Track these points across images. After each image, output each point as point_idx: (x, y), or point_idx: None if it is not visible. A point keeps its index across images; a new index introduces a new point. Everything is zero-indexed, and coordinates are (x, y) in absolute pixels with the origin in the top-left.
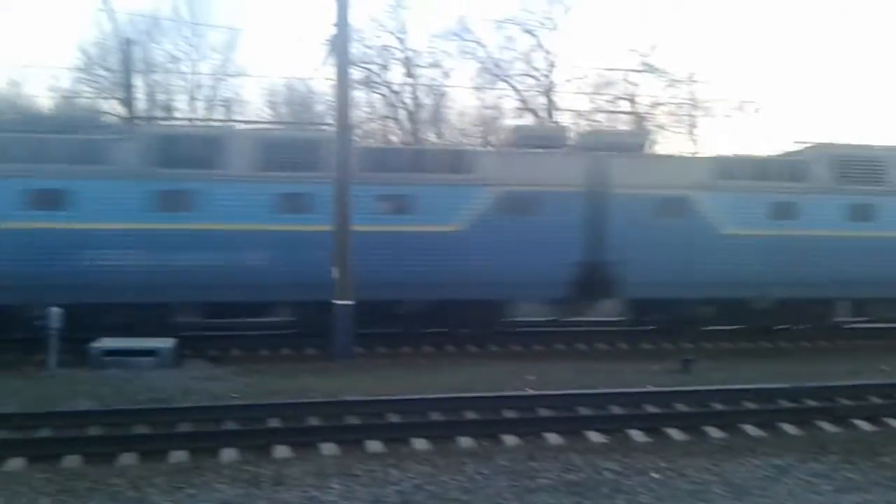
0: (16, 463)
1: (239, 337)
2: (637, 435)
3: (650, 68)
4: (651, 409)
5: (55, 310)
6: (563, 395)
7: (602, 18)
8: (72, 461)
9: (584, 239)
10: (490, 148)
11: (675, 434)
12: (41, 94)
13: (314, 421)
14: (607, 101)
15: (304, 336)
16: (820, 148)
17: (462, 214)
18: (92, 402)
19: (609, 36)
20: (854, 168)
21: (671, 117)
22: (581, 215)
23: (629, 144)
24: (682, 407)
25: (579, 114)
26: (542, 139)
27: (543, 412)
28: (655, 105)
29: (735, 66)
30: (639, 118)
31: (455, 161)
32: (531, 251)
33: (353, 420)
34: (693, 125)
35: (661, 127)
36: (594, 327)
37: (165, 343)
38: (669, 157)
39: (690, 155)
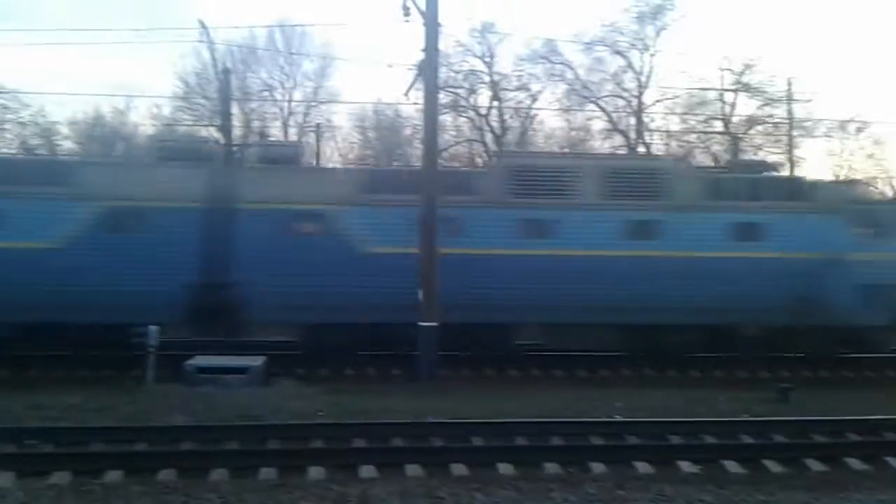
0: (114, 475)
1: (327, 357)
2: (732, 466)
3: (745, 87)
4: (747, 439)
5: (152, 328)
6: (654, 422)
7: (695, 37)
8: (167, 475)
9: (201, 258)
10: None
11: (773, 466)
12: (144, 121)
13: (399, 442)
14: (700, 122)
15: (389, 356)
16: (503, 158)
17: (58, 231)
18: (186, 417)
19: (702, 55)
20: (533, 180)
21: (768, 137)
22: (196, 233)
23: (282, 156)
24: (780, 437)
25: (670, 134)
26: (182, 151)
27: (632, 440)
28: (751, 125)
29: (837, 82)
30: (734, 139)
31: (50, 173)
32: (136, 272)
33: (437, 442)
34: (792, 145)
35: (758, 147)
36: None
37: (256, 361)
38: (309, 170)
39: (334, 167)
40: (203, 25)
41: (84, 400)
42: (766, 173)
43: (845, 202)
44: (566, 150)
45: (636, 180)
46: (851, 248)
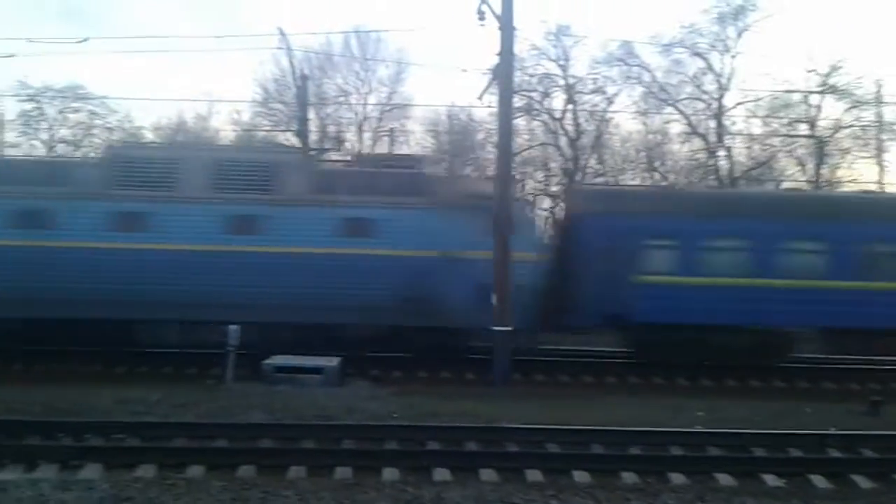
0: (196, 470)
1: (399, 358)
2: (819, 480)
3: (831, 89)
4: (835, 452)
5: (233, 328)
6: (737, 433)
7: (779, 38)
8: (246, 471)
9: None
10: None
11: (862, 481)
12: (224, 127)
13: (473, 446)
14: (784, 125)
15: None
16: (108, 148)
17: None
18: (264, 415)
19: (786, 56)
20: (134, 171)
21: (856, 141)
22: None
23: None
24: (869, 452)
25: (753, 138)
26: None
27: (714, 451)
28: (838, 128)
29: None
30: (819, 143)
31: None
32: None
33: (512, 447)
34: (881, 149)
35: (845, 151)
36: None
37: (331, 362)
38: None
39: None
40: (282, 33)
41: (168, 396)
42: (400, 168)
43: (469, 199)
44: (176, 142)
45: (242, 173)
46: (471, 246)
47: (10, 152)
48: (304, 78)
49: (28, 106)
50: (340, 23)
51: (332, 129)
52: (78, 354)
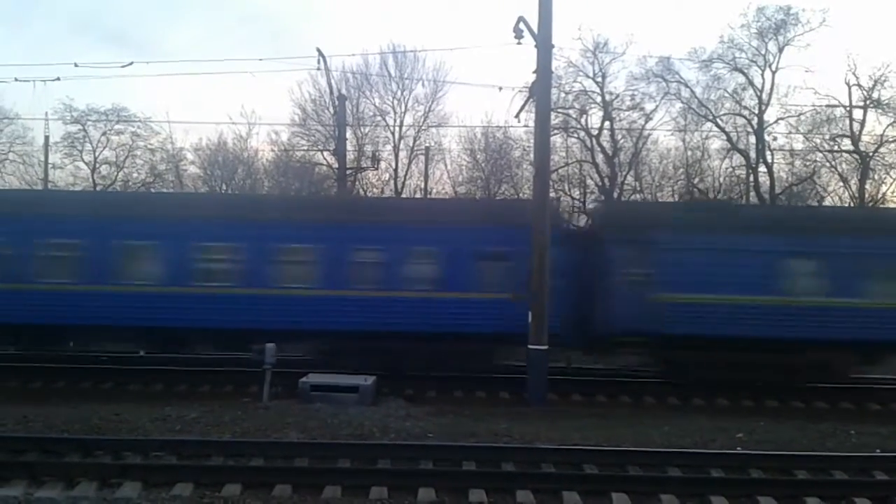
0: (232, 488)
1: (434, 377)
2: None
3: (875, 103)
4: (881, 476)
5: (269, 346)
6: (779, 455)
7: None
8: (282, 490)
9: None
10: None
11: None
12: (263, 147)
13: (509, 466)
14: (826, 140)
15: (497, 379)
16: None
17: None
18: (300, 434)
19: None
20: None
21: None
22: None
23: None
24: None
25: (794, 153)
26: None
27: (756, 473)
28: (882, 143)
29: None
30: (862, 158)
31: None
32: None
33: (548, 468)
34: None
35: (889, 167)
36: (811, 383)
37: (366, 381)
38: None
39: None
40: (320, 54)
41: (205, 414)
42: None
43: None
44: None
45: None
46: None
47: (56, 173)
48: (342, 98)
49: (73, 128)
50: (378, 42)
51: (368, 148)
52: (115, 372)
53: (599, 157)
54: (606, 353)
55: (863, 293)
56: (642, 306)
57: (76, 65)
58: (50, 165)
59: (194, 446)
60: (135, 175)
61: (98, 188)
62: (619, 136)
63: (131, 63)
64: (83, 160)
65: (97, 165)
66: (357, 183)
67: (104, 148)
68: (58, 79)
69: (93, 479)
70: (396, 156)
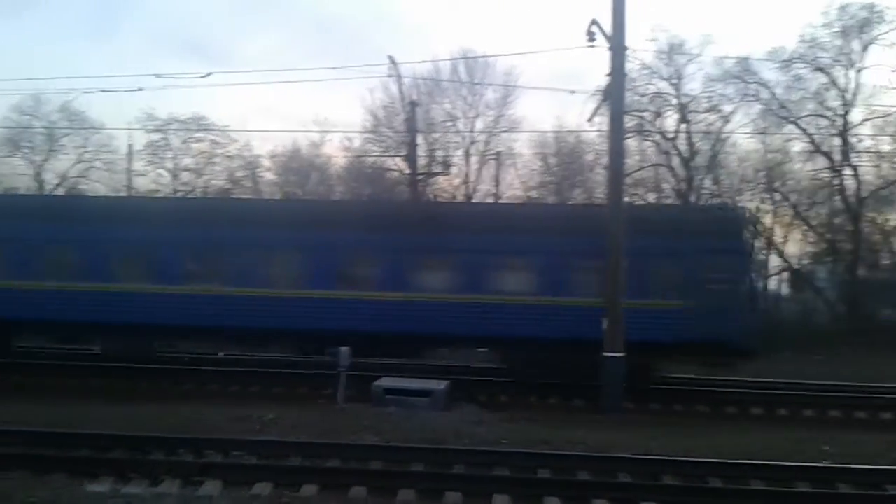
0: (310, 489)
1: (506, 383)
2: None
3: None
4: None
5: (344, 349)
6: (869, 469)
7: None
8: (358, 492)
9: None
10: None
11: None
12: (336, 153)
13: (585, 475)
14: None
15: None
16: None
17: None
18: (374, 437)
19: None
20: None
21: None
22: None
23: None
24: None
25: (881, 156)
26: None
27: (844, 487)
28: None
29: None
30: None
31: None
32: None
33: (625, 478)
34: None
35: None
36: None
37: (439, 385)
38: None
39: None
40: (392, 61)
41: (281, 415)
42: None
43: None
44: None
45: None
46: None
47: (140, 180)
48: (413, 104)
49: (155, 136)
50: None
51: (439, 153)
52: (193, 373)
53: (675, 161)
54: None
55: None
56: None
57: (157, 76)
58: (133, 173)
59: (273, 447)
60: (214, 182)
61: (179, 194)
62: (696, 139)
63: (210, 74)
64: (165, 168)
65: (178, 172)
66: (428, 188)
67: (184, 155)
68: (140, 89)
69: (176, 477)
70: (468, 161)
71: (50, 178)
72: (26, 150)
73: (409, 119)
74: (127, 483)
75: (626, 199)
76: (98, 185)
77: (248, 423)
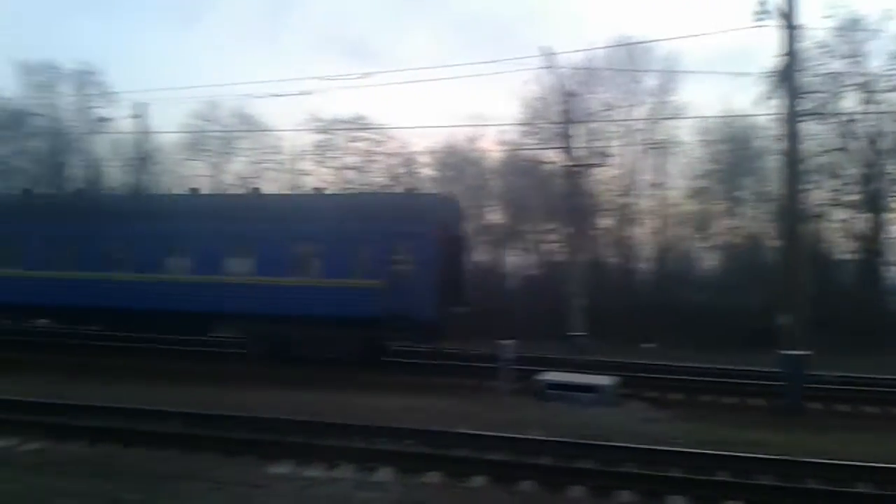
0: (479, 480)
1: (678, 381)
2: None
3: None
4: None
5: (508, 342)
6: None
7: None
8: (527, 486)
9: None
10: None
11: None
12: (491, 147)
13: (768, 479)
14: None
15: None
16: None
17: None
18: (539, 431)
19: None
20: None
21: None
22: None
23: None
24: None
25: None
26: None
27: None
28: None
29: None
30: None
31: None
32: None
33: (812, 483)
34: None
35: None
36: None
37: (607, 381)
38: None
39: None
40: (546, 51)
41: (451, 406)
42: None
43: None
44: None
45: None
46: None
47: (307, 179)
48: (570, 94)
49: (320, 137)
50: (605, 35)
51: (597, 143)
52: (371, 365)
53: (857, 145)
54: None
55: None
56: None
57: (321, 79)
58: (301, 172)
59: (444, 437)
60: (375, 180)
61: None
62: (880, 121)
63: (369, 74)
64: (330, 166)
65: (343, 171)
66: (586, 180)
67: (348, 154)
68: (307, 93)
69: (351, 462)
70: (627, 151)
71: (227, 179)
72: (206, 154)
73: (564, 110)
74: (306, 466)
75: (801, 187)
76: (271, 185)
77: (419, 412)
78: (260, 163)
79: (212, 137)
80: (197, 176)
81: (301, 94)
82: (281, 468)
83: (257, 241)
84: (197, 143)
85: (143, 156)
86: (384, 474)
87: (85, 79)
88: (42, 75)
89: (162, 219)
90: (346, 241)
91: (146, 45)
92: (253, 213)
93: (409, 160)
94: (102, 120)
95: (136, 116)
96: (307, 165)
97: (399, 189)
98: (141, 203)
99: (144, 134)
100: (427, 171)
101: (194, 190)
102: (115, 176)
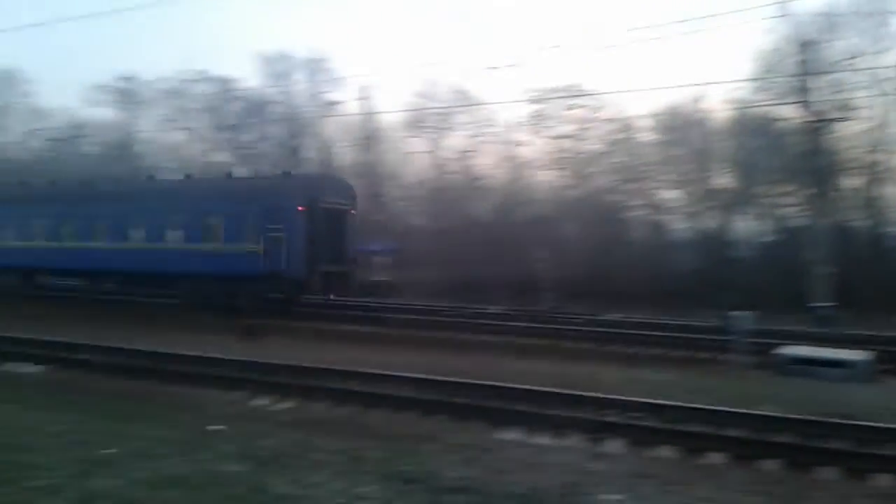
0: (715, 457)
1: None
2: None
3: None
4: None
5: (744, 314)
6: None
7: None
8: (767, 465)
9: None
10: None
11: None
12: (718, 108)
13: None
14: None
15: None
16: None
17: None
18: (776, 407)
19: None
20: None
21: None
22: None
23: None
24: None
25: None
26: None
27: None
28: None
29: None
30: None
31: None
32: None
33: None
34: None
35: None
36: None
37: (860, 356)
38: None
39: None
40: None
41: (681, 379)
42: None
43: None
44: None
45: None
46: None
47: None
48: (808, 43)
49: (536, 107)
50: None
51: (840, 96)
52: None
53: None
54: None
55: None
56: None
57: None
58: (517, 143)
59: (674, 411)
60: (591, 147)
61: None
62: None
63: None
64: (545, 136)
65: (557, 140)
66: (828, 136)
67: (564, 123)
68: (519, 65)
69: (578, 432)
70: (875, 102)
71: (446, 154)
72: (426, 130)
73: (802, 61)
74: (534, 434)
75: None
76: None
77: (644, 384)
78: (476, 136)
79: (431, 114)
80: (417, 152)
81: (515, 65)
82: (510, 434)
83: (184, 215)
84: (417, 120)
85: (368, 135)
86: (613, 446)
87: (316, 66)
88: (278, 65)
89: (125, 200)
90: (237, 215)
91: (371, 30)
92: (182, 194)
93: (626, 126)
94: (332, 104)
95: (361, 99)
96: (522, 137)
97: (278, 171)
98: (125, 187)
99: (369, 115)
100: (647, 136)
101: (150, 177)
102: (345, 156)
